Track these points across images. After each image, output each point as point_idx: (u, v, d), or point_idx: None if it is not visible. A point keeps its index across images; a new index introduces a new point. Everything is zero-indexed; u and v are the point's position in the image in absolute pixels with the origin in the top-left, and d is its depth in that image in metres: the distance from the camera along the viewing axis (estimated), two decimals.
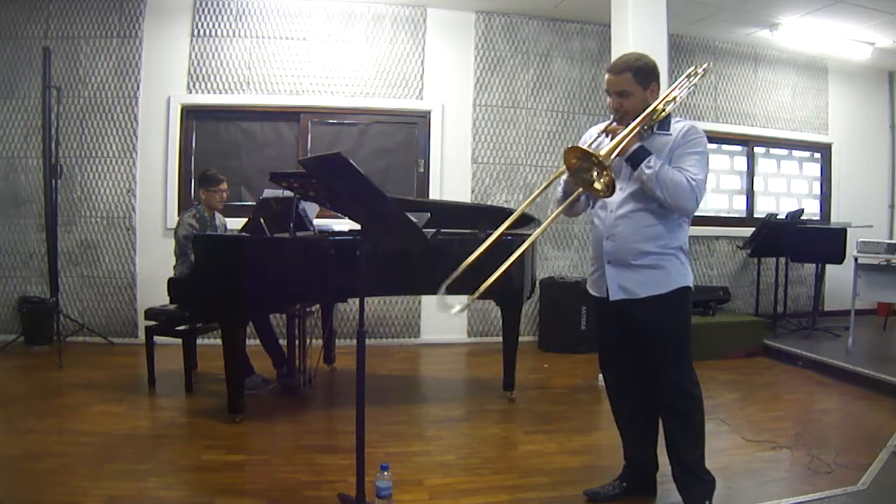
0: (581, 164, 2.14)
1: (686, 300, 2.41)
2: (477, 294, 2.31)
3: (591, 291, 2.57)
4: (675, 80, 2.46)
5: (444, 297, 2.35)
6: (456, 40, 5.71)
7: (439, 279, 2.38)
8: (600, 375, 4.38)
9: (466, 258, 2.34)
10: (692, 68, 2.45)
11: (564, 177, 2.40)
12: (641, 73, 2.32)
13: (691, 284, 2.42)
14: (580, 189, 2.32)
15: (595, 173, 2.14)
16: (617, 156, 2.20)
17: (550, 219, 2.48)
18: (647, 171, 2.23)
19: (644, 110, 2.26)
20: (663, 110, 2.34)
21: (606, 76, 2.38)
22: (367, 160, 5.41)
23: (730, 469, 2.84)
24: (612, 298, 2.41)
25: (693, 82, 2.44)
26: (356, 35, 5.54)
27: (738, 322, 5.54)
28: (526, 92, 5.87)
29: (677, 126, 2.35)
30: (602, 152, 2.12)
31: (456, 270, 2.32)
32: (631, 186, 2.34)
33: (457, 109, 5.72)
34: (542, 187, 2.51)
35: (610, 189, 2.13)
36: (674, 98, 2.37)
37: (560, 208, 2.46)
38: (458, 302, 2.36)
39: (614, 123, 2.34)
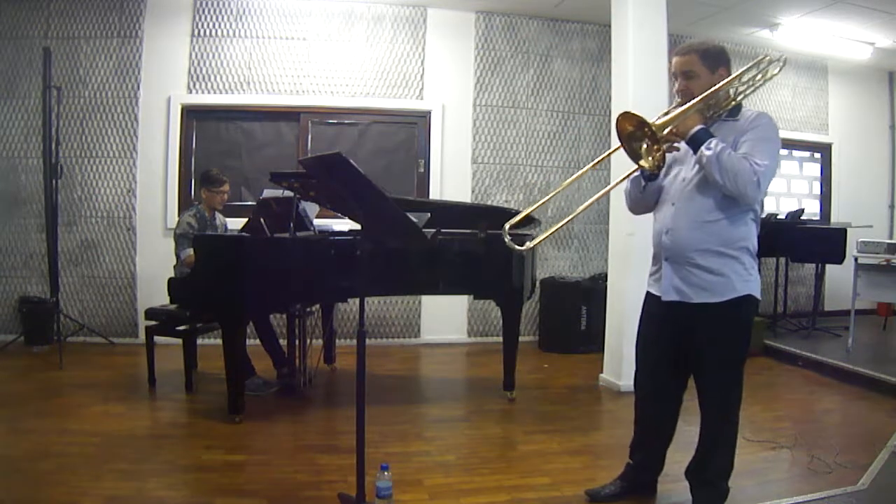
0: (634, 132, 2.08)
1: (746, 310, 2.27)
2: (544, 237, 2.33)
3: (649, 290, 2.47)
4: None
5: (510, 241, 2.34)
6: (456, 40, 5.71)
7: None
8: (600, 375, 4.39)
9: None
10: (764, 55, 2.33)
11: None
12: (708, 54, 2.25)
13: (756, 293, 2.27)
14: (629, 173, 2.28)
15: (645, 146, 2.08)
16: (673, 132, 2.14)
17: (621, 179, 2.43)
18: (707, 153, 2.12)
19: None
20: (734, 98, 2.26)
21: (673, 59, 2.31)
22: (367, 160, 5.41)
23: None
24: (664, 299, 2.32)
25: (771, 73, 2.30)
26: (356, 35, 5.54)
27: None
28: (526, 92, 5.87)
29: (747, 113, 2.26)
30: (657, 123, 2.06)
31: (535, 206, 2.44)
32: (695, 177, 2.25)
33: (457, 109, 5.72)
34: (597, 160, 2.49)
35: (658, 167, 2.08)
36: (744, 83, 2.27)
37: (629, 172, 2.37)
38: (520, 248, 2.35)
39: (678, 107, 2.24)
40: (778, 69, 2.30)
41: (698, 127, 2.17)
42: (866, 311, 6.34)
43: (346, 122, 5.63)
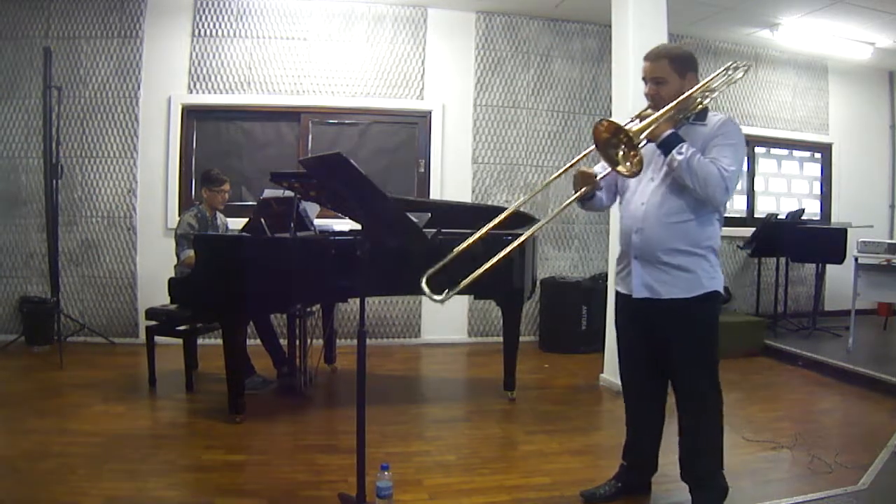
0: (610, 139, 2.12)
1: (713, 305, 2.36)
2: (470, 279, 2.28)
3: (617, 288, 2.53)
4: None
5: (425, 287, 2.32)
6: (456, 40, 5.71)
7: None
8: (601, 375, 4.40)
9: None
10: (732, 62, 2.40)
11: (602, 171, 2.38)
12: (678, 60, 2.29)
13: (720, 289, 2.36)
14: (604, 174, 2.30)
15: (622, 152, 2.12)
16: (647, 136, 2.17)
17: (566, 204, 2.44)
18: (678, 157, 2.18)
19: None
20: (700, 102, 2.31)
21: (643, 64, 2.35)
22: (367, 160, 5.41)
23: (730, 469, 2.81)
24: (635, 296, 2.37)
25: (736, 78, 2.37)
26: (357, 35, 5.54)
27: (738, 322, 5.54)
28: (526, 92, 5.87)
29: (714, 118, 2.31)
30: (633, 129, 2.10)
31: (446, 258, 2.36)
32: (662, 178, 2.30)
33: (457, 109, 5.72)
34: (569, 164, 2.49)
35: (636, 171, 2.11)
36: (711, 90, 2.33)
37: (576, 195, 2.40)
38: (440, 293, 2.31)
39: (649, 110, 2.31)
40: (742, 73, 2.39)
41: (669, 131, 2.23)
42: (866, 311, 6.33)
43: (346, 122, 5.63)
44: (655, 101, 2.30)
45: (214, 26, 5.35)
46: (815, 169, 7.11)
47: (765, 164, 6.85)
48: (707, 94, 2.33)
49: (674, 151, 2.20)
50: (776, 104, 6.71)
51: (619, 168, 2.14)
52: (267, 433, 3.33)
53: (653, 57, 2.32)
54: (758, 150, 6.76)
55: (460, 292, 2.39)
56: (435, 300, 2.30)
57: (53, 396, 3.83)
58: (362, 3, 5.51)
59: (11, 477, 2.67)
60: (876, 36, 5.98)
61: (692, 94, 2.25)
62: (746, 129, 6.50)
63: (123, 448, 3.01)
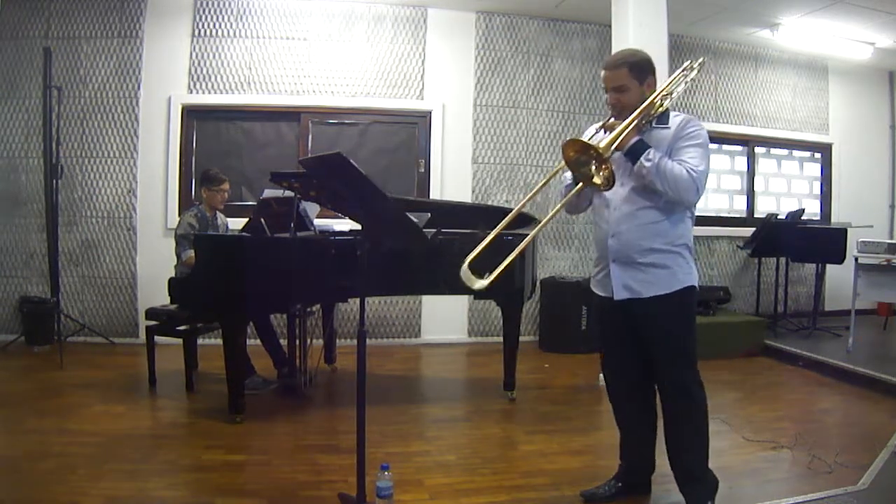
0: (580, 157, 2.15)
1: (690, 300, 2.40)
2: (488, 281, 2.22)
3: (595, 291, 2.55)
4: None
5: (468, 272, 2.25)
6: (456, 40, 5.71)
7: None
8: (601, 375, 4.39)
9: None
10: (688, 63, 2.45)
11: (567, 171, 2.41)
12: (637, 67, 2.32)
13: (696, 284, 2.41)
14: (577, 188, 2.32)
15: (594, 167, 2.15)
16: (616, 149, 2.20)
17: (556, 209, 2.46)
18: (647, 164, 2.22)
19: (641, 104, 2.26)
20: (661, 105, 2.34)
21: (603, 73, 2.38)
22: (367, 160, 5.41)
23: (730, 469, 2.83)
24: (616, 298, 2.39)
25: (690, 77, 2.43)
26: (357, 35, 5.54)
27: (738, 322, 5.54)
28: (526, 92, 5.88)
29: (676, 120, 2.34)
30: (601, 145, 2.12)
31: (480, 247, 2.29)
32: (633, 183, 2.33)
33: (457, 109, 5.72)
34: (542, 182, 2.51)
35: (610, 182, 2.13)
36: (671, 92, 2.37)
37: (566, 198, 2.42)
38: (480, 280, 2.23)
39: (612, 119, 2.34)
40: (695, 73, 2.44)
41: (635, 139, 2.26)
42: (867, 311, 6.33)
43: (346, 122, 5.63)
44: (618, 110, 2.33)
45: (214, 26, 5.35)
46: (815, 169, 7.12)
47: (765, 164, 6.85)
48: (667, 96, 2.36)
49: (642, 158, 2.23)
50: (776, 104, 6.71)
51: (595, 180, 2.17)
52: (267, 433, 3.33)
53: (612, 65, 2.34)
54: (758, 150, 6.76)
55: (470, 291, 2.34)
56: (476, 287, 2.21)
57: (53, 396, 3.83)
58: (362, 3, 5.51)
59: (11, 477, 2.68)
60: (876, 36, 5.98)
61: (653, 99, 2.29)
62: (746, 129, 6.58)
63: (123, 448, 3.01)
